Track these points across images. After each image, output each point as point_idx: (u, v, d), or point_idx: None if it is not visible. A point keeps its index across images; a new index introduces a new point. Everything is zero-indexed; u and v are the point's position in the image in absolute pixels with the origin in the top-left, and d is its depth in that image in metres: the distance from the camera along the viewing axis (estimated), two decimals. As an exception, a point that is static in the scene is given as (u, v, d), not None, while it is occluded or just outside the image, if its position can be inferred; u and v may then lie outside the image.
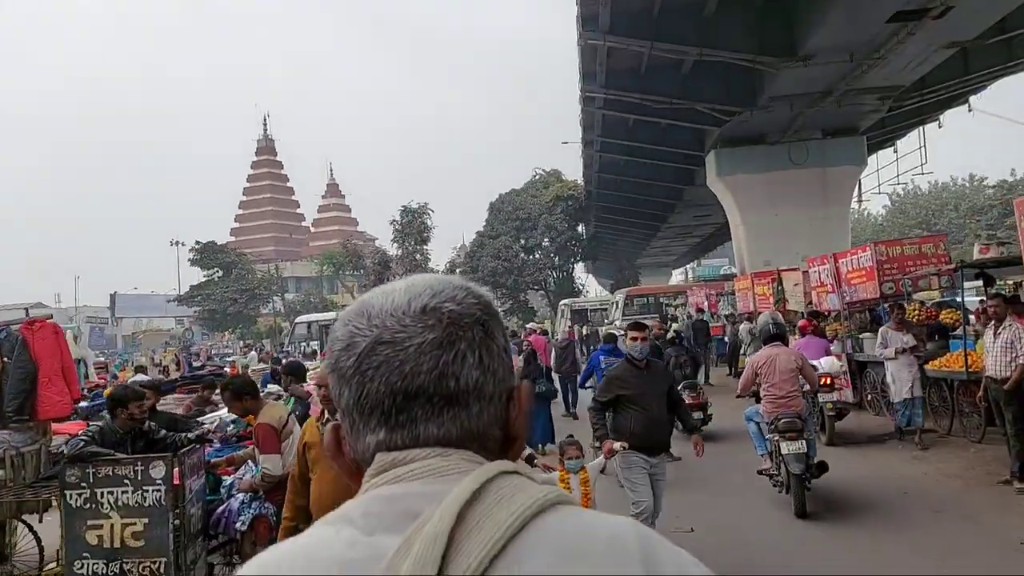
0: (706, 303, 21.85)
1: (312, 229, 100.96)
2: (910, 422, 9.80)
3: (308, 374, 9.81)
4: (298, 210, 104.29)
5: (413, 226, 43.42)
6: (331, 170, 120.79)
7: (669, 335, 14.45)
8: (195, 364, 24.41)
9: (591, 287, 65.61)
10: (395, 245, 44.36)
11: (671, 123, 24.63)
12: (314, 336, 32.60)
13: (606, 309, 33.56)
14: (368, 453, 0.82)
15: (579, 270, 52.33)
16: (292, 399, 8.24)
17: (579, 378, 12.03)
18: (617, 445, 5.79)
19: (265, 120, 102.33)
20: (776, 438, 7.24)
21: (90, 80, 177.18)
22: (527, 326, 23.93)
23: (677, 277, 65.03)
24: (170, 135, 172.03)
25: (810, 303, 13.77)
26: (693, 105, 21.96)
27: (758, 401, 7.72)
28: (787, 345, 8.04)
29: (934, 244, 10.60)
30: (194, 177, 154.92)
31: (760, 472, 7.94)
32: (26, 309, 7.68)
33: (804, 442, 7.12)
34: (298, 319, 36.65)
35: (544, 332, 19.65)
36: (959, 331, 9.67)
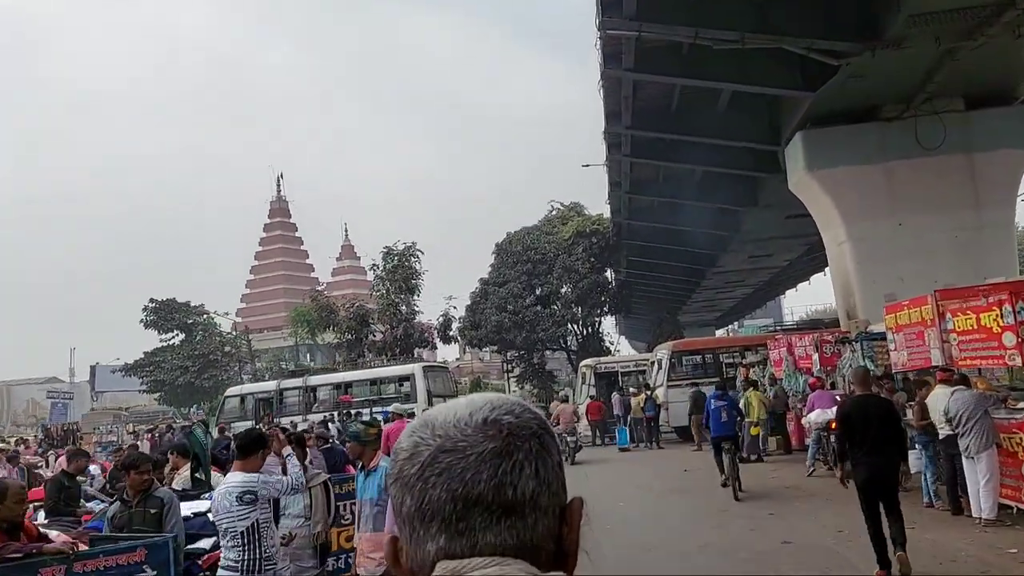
0: (816, 356, 13.27)
1: (325, 294, 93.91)
2: None
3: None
4: (312, 274, 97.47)
5: (398, 272, 35.39)
6: (346, 230, 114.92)
7: None
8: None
9: (623, 349, 56.62)
10: (375, 294, 36.31)
11: (738, 87, 16.62)
12: (248, 413, 24.46)
13: (643, 371, 25.01)
14: (428, 561, 0.82)
15: (607, 326, 43.38)
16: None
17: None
18: None
19: (279, 181, 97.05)
20: None
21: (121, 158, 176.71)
22: (389, 409, 16.31)
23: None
24: (184, 204, 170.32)
25: None
26: (779, 42, 13.97)
27: None
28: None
29: None
30: (206, 244, 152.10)
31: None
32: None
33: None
34: (228, 392, 28.28)
35: (411, 415, 13.92)
36: None
